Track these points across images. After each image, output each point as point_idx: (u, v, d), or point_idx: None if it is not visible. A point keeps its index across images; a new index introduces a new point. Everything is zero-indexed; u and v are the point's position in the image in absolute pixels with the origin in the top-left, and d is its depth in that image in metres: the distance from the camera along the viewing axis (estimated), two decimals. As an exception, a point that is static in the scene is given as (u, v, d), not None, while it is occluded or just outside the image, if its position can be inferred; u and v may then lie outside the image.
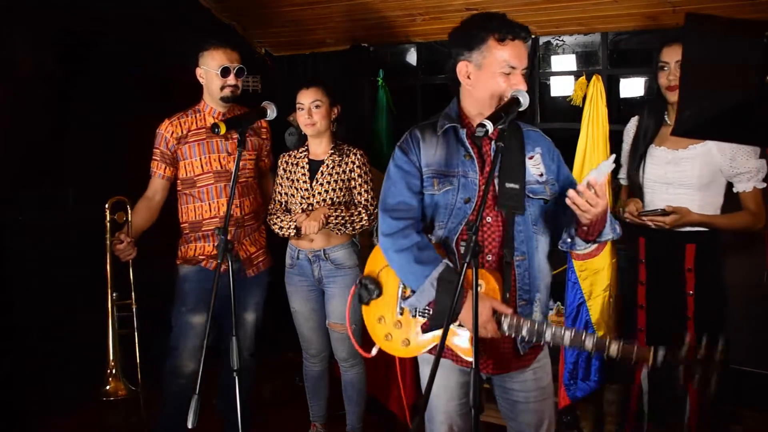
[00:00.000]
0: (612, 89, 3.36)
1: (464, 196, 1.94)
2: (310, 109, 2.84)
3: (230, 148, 2.82)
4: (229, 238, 2.76)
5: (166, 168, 2.82)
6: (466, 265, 1.61)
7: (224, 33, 3.67)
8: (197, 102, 2.87)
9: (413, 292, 1.97)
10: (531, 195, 1.96)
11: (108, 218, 2.76)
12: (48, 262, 3.37)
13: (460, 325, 1.94)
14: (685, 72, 1.35)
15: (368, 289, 2.14)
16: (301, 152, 2.97)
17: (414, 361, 2.28)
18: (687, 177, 2.54)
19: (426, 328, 2.00)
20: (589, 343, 1.80)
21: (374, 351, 2.18)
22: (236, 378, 2.18)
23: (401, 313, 2.09)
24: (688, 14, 1.32)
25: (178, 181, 2.86)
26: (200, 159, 2.80)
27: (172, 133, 2.79)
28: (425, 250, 1.94)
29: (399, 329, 2.09)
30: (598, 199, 1.76)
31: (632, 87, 3.64)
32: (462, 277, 1.62)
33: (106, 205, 2.76)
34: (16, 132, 3.30)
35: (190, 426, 2.01)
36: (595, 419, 3.20)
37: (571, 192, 1.78)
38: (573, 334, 1.82)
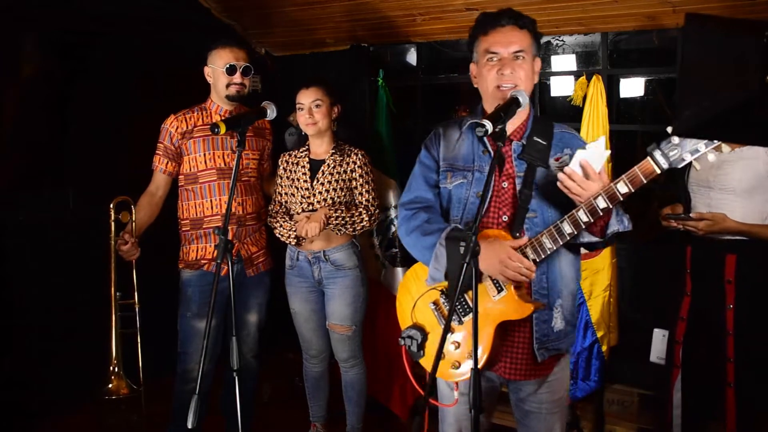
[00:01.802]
0: (612, 89, 3.35)
1: (477, 191, 1.95)
2: (311, 109, 2.83)
3: (235, 146, 2.81)
4: (230, 236, 2.78)
5: (168, 163, 2.81)
6: (473, 237, 1.57)
7: (224, 33, 3.67)
8: (199, 101, 2.87)
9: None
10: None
11: (113, 218, 2.75)
12: (48, 262, 3.37)
13: (490, 277, 1.86)
14: (685, 72, 1.35)
15: (412, 339, 1.93)
16: (301, 152, 2.96)
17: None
18: (728, 181, 2.40)
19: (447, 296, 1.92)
20: (602, 202, 1.72)
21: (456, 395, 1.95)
22: (236, 378, 2.17)
23: (452, 332, 1.93)
24: (688, 14, 1.32)
25: (181, 176, 2.85)
26: (204, 155, 2.79)
27: (177, 128, 2.78)
28: (433, 223, 1.96)
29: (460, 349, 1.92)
30: (589, 182, 1.72)
31: (632, 87, 3.63)
32: (476, 225, 1.59)
33: (111, 205, 2.76)
34: (16, 132, 3.30)
35: (189, 426, 2.01)
36: (595, 419, 3.20)
37: (560, 174, 1.75)
38: (585, 207, 1.74)
